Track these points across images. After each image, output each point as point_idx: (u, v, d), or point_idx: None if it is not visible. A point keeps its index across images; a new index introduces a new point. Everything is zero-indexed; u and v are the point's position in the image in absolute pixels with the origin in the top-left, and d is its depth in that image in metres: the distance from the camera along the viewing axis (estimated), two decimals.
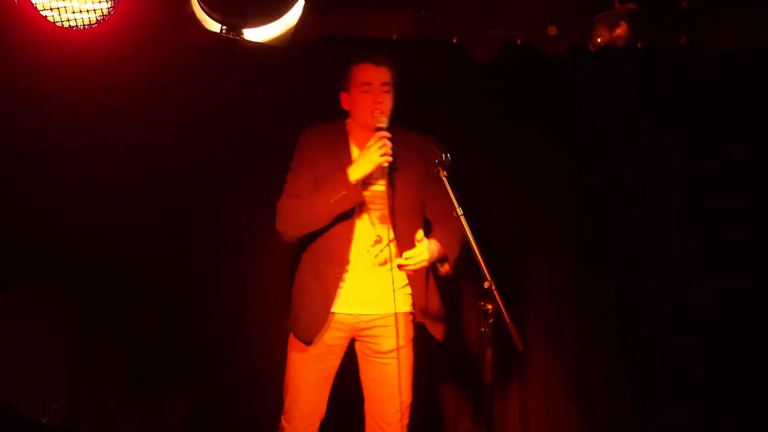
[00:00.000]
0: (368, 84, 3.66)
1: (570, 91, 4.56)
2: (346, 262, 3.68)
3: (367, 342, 3.77)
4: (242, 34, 3.40)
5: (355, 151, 3.72)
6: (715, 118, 4.51)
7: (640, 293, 4.56)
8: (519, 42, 4.54)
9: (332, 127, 3.81)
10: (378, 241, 3.70)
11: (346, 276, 3.69)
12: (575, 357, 4.56)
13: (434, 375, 4.50)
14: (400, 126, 3.72)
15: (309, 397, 3.75)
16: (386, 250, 3.68)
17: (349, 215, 3.64)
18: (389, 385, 3.75)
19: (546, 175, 4.57)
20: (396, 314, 3.70)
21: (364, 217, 3.69)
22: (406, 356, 3.78)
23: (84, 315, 4.38)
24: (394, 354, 3.72)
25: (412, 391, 3.81)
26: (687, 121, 4.51)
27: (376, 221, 3.69)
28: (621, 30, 4.44)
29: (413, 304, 3.80)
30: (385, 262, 3.68)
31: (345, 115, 3.80)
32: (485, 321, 3.17)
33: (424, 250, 3.44)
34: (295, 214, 3.63)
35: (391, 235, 3.64)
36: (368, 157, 3.54)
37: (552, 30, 4.56)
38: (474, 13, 4.60)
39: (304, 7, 3.47)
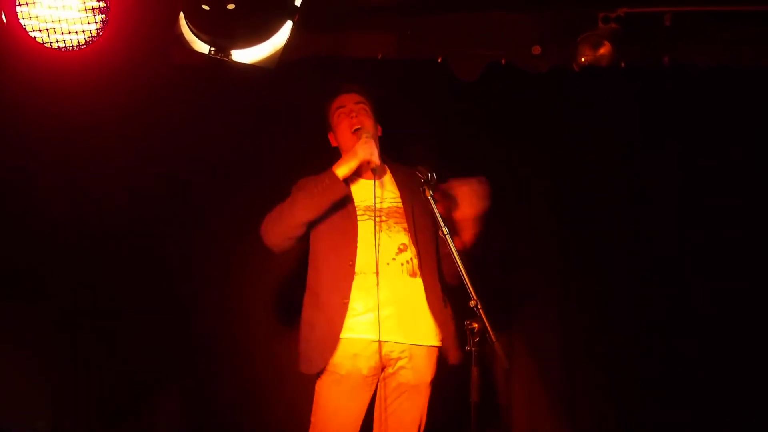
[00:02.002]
0: (342, 106, 3.71)
1: (554, 110, 4.58)
2: (348, 291, 3.52)
3: (394, 374, 3.61)
4: (230, 55, 3.40)
5: (353, 188, 3.66)
6: (699, 137, 4.54)
7: (628, 312, 4.56)
8: (503, 61, 4.57)
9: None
10: (402, 250, 3.63)
11: (377, 296, 3.51)
12: (561, 375, 4.55)
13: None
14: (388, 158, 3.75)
15: (344, 430, 3.58)
16: (414, 261, 3.63)
17: (351, 242, 3.56)
18: (404, 421, 3.62)
19: (531, 193, 4.59)
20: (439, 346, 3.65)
21: (377, 229, 3.60)
22: (426, 393, 3.66)
23: (69, 331, 4.38)
24: (416, 390, 3.61)
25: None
26: (671, 139, 4.54)
27: (395, 233, 3.64)
28: (604, 49, 4.46)
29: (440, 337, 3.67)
30: (414, 274, 3.62)
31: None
32: (471, 340, 3.18)
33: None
34: (277, 214, 3.56)
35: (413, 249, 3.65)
36: (353, 152, 3.54)
37: (536, 49, 4.58)
38: (458, 33, 4.62)
39: (292, 29, 3.48)
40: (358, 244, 3.59)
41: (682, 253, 4.56)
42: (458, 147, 4.54)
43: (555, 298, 4.59)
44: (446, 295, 3.70)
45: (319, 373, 3.58)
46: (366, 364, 3.54)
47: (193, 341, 4.47)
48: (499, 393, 4.52)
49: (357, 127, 3.64)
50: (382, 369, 3.62)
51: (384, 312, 3.52)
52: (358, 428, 3.61)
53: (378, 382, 3.64)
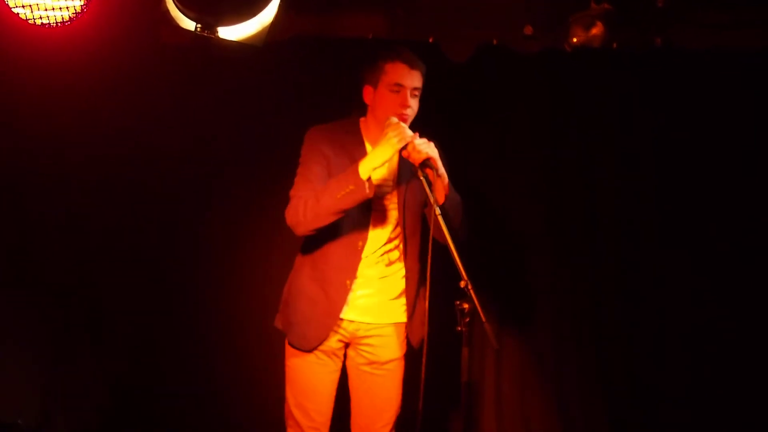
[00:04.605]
0: (400, 86, 3.49)
1: (545, 92, 4.56)
2: (355, 272, 3.58)
3: (363, 351, 3.68)
4: (217, 32, 3.36)
5: (370, 149, 3.54)
6: (690, 118, 4.52)
7: (617, 292, 4.56)
8: (495, 42, 4.54)
9: (343, 124, 3.66)
10: (391, 240, 3.63)
11: (354, 283, 3.59)
12: (551, 355, 4.57)
13: (411, 374, 4.49)
14: None
15: (319, 405, 3.64)
16: (395, 252, 3.65)
17: (364, 224, 3.55)
18: (381, 398, 3.69)
19: (522, 175, 4.57)
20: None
21: (377, 222, 3.60)
22: (400, 368, 3.73)
23: (61, 316, 4.35)
24: (388, 366, 3.68)
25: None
26: (662, 121, 4.52)
27: (389, 226, 3.62)
28: (597, 30, 4.45)
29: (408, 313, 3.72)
30: (391, 263, 3.65)
31: (355, 111, 3.68)
32: (461, 320, 3.16)
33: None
34: (303, 207, 3.40)
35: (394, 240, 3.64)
36: (383, 146, 3.35)
37: (528, 30, 4.56)
38: (449, 13, 4.59)
39: (280, 6, 3.44)
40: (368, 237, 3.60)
41: (659, 253, 4.56)
42: (449, 128, 4.50)
43: (546, 281, 4.59)
44: (423, 277, 3.65)
45: (291, 345, 3.64)
46: (333, 337, 3.61)
47: (185, 335, 4.46)
48: (489, 373, 4.54)
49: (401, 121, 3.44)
50: (347, 345, 3.70)
51: (357, 293, 3.60)
52: (333, 398, 3.68)
53: (345, 355, 3.72)
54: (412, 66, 3.52)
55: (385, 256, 3.64)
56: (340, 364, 3.68)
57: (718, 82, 4.52)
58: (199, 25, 3.34)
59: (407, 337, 3.74)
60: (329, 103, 4.37)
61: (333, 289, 3.57)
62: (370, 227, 3.59)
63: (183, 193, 4.43)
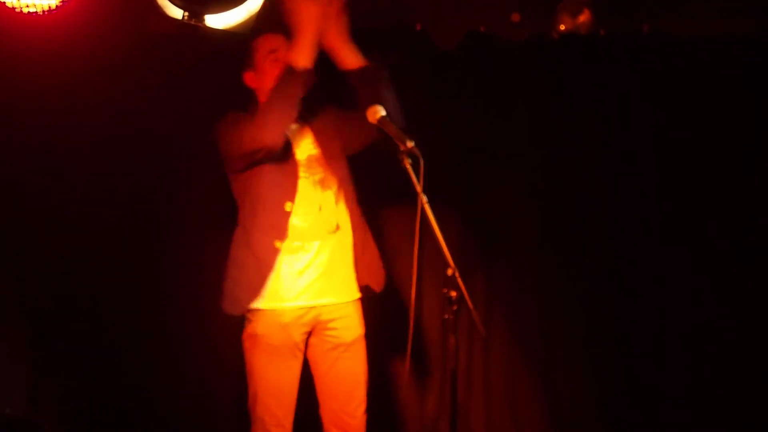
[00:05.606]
0: (274, 50, 3.54)
1: (533, 79, 4.55)
2: (285, 232, 3.51)
3: (327, 336, 3.63)
4: (204, 20, 3.37)
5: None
6: (678, 106, 4.52)
7: (615, 291, 4.56)
8: (482, 29, 4.53)
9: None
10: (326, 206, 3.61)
11: (304, 259, 3.53)
12: (539, 344, 4.57)
13: (398, 361, 4.52)
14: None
15: (282, 400, 3.57)
16: (335, 217, 3.61)
17: (290, 186, 3.52)
18: (350, 379, 3.66)
19: (509, 162, 4.57)
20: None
21: (304, 184, 3.57)
22: (363, 346, 3.70)
23: (46, 307, 4.33)
24: (354, 347, 3.66)
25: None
26: (650, 108, 4.52)
27: (318, 186, 3.60)
28: (584, 17, 4.45)
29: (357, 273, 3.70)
30: (337, 228, 3.61)
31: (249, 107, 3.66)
32: (449, 308, 3.17)
33: None
34: (253, 121, 3.41)
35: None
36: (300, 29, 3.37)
37: (515, 17, 4.56)
38: (437, 0, 4.59)
39: None
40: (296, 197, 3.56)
41: (649, 241, 4.56)
42: (436, 115, 4.50)
43: (544, 279, 4.60)
44: (366, 222, 3.73)
45: (249, 339, 3.58)
46: (297, 331, 3.56)
47: (181, 332, 4.41)
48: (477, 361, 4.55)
49: None
50: (309, 334, 3.65)
51: (311, 275, 3.56)
52: (297, 391, 3.62)
53: (306, 345, 3.67)
54: (273, 31, 3.58)
55: (329, 221, 3.60)
56: (302, 357, 3.62)
57: (705, 67, 4.52)
58: (186, 13, 3.35)
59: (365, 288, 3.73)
60: (315, 88, 4.37)
61: (262, 251, 3.51)
62: (297, 189, 3.56)
63: (166, 179, 4.40)
